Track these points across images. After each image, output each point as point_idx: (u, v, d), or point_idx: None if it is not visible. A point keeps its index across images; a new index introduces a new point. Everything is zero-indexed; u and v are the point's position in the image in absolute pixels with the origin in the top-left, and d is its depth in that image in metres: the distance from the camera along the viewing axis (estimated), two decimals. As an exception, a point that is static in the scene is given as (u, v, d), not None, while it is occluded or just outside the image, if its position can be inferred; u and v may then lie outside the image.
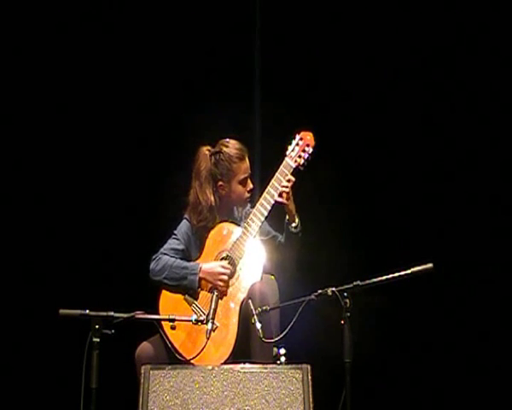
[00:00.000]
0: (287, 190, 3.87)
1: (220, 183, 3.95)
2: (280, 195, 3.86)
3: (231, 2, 5.00)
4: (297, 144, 3.97)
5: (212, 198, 3.92)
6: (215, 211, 3.93)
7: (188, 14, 5.04)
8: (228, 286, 3.81)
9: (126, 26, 5.00)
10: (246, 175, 3.96)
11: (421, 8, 4.91)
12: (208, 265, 3.84)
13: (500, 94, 4.86)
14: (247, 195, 3.98)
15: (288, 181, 3.88)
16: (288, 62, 4.99)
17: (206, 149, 3.99)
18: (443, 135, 4.94)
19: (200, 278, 3.82)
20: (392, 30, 4.94)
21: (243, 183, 3.95)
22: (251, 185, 3.99)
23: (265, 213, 3.86)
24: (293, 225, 3.91)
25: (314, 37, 4.99)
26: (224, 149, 3.96)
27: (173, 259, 3.88)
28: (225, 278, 3.80)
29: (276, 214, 3.96)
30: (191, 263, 3.88)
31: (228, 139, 4.00)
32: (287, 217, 3.92)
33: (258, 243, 3.89)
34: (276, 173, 3.91)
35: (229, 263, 3.85)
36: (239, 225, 3.93)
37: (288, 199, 3.88)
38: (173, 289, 3.84)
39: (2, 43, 4.97)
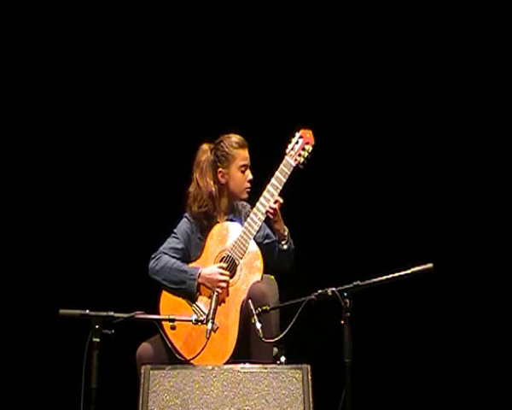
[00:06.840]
0: (272, 211, 3.84)
1: (220, 169, 3.94)
2: (267, 213, 3.84)
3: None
4: (297, 142, 3.95)
5: (212, 183, 3.93)
6: (215, 199, 3.93)
7: (188, 14, 5.04)
8: (228, 290, 3.80)
9: (126, 26, 5.01)
10: (245, 162, 3.95)
11: (422, 8, 4.92)
12: (207, 270, 3.83)
13: (499, 95, 4.86)
14: (247, 185, 3.96)
15: (276, 202, 3.84)
16: (287, 62, 5.00)
17: (206, 145, 4.02)
18: (444, 134, 4.94)
19: (199, 283, 3.81)
20: (393, 27, 4.95)
21: (243, 169, 3.94)
22: (251, 176, 3.97)
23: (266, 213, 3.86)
24: (283, 242, 3.90)
25: (313, 35, 5.00)
26: (225, 138, 3.98)
27: (173, 260, 3.87)
28: (224, 284, 3.78)
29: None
30: (190, 267, 3.86)
31: (230, 134, 4.01)
32: (277, 235, 3.92)
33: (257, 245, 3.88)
34: (277, 172, 3.88)
35: (229, 263, 3.84)
36: (239, 225, 3.93)
37: (276, 219, 3.86)
38: (172, 291, 3.84)
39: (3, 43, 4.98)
